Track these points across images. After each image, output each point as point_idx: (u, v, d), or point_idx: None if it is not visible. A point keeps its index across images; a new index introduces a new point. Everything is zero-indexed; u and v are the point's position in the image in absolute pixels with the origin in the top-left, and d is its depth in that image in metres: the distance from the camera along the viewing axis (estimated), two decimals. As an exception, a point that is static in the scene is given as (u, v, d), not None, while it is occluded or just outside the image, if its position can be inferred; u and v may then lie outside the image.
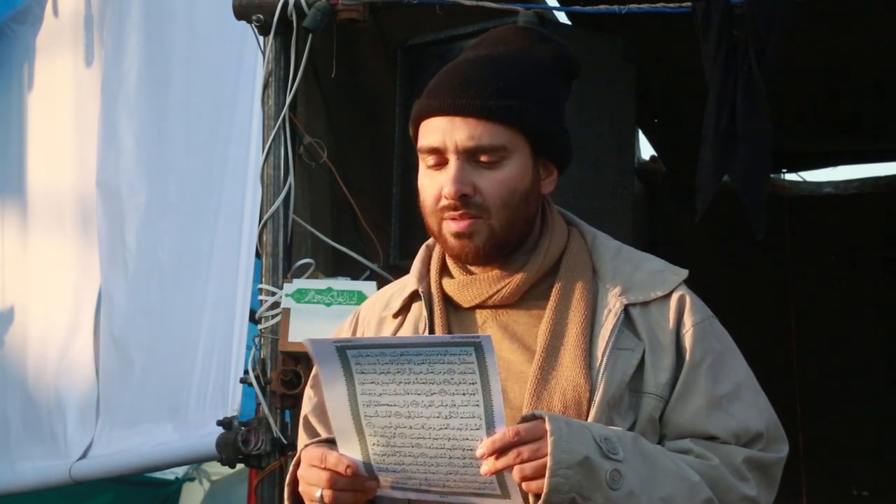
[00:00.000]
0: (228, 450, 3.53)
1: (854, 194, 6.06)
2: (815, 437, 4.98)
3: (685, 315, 2.02)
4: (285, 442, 3.51)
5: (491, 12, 3.55)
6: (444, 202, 1.97)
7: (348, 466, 1.89)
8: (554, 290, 2.02)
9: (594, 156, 3.66)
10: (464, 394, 1.81)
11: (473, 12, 3.58)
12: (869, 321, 5.97)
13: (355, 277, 3.68)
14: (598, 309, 2.01)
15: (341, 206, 3.81)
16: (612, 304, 2.00)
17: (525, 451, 1.81)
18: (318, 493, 1.91)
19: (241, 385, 3.71)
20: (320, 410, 2.10)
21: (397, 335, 2.07)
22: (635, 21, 3.53)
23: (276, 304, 3.58)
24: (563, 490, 1.80)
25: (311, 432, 2.15)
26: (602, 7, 3.57)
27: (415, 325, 2.07)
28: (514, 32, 2.11)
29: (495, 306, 2.04)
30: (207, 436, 3.71)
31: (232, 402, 3.84)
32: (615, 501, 1.83)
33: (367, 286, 3.52)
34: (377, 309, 2.17)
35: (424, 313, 2.06)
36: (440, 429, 1.83)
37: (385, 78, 3.93)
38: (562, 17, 4.31)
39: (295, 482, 2.00)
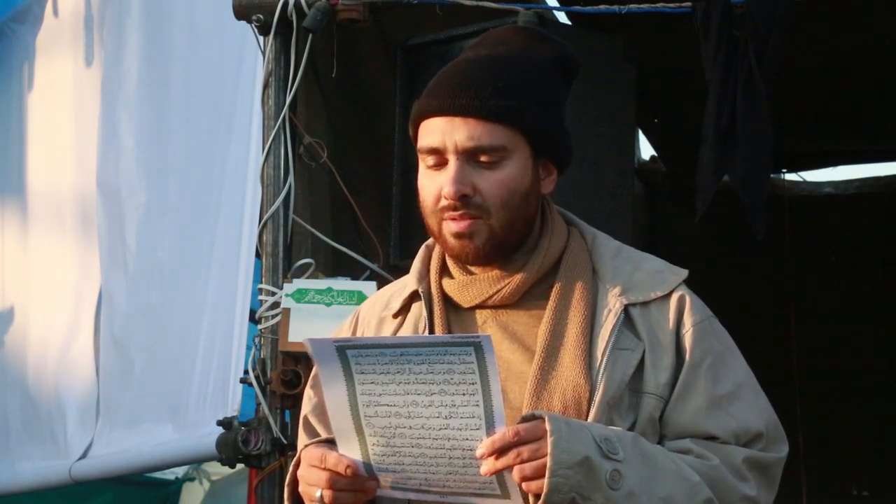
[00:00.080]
0: (228, 450, 3.54)
1: (854, 194, 6.05)
2: (815, 437, 4.98)
3: (685, 315, 2.02)
4: (285, 442, 3.51)
5: (491, 12, 3.55)
6: (443, 202, 1.97)
7: (348, 466, 1.89)
8: (554, 290, 2.02)
9: (594, 156, 3.66)
10: (464, 394, 1.81)
11: (473, 12, 3.58)
12: (869, 321, 5.97)
13: (355, 277, 3.68)
14: (597, 309, 2.01)
15: (341, 206, 3.81)
16: (612, 304, 2.00)
17: (525, 451, 1.81)
18: (317, 494, 1.91)
19: (241, 385, 3.71)
20: (320, 410, 2.10)
21: (397, 335, 2.07)
22: (635, 21, 3.53)
23: (276, 304, 3.58)
24: (563, 490, 1.80)
25: (311, 432, 2.15)
26: (602, 7, 3.57)
27: (415, 325, 2.07)
28: (513, 32, 2.11)
29: (495, 306, 2.04)
30: (207, 436, 3.71)
31: (232, 402, 3.84)
32: (615, 501, 1.83)
33: (367, 286, 3.52)
34: (377, 309, 2.17)
35: (424, 313, 2.06)
36: (440, 429, 1.83)
37: (385, 78, 3.93)
38: (562, 17, 4.31)
39: (295, 482, 2.00)
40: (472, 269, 2.05)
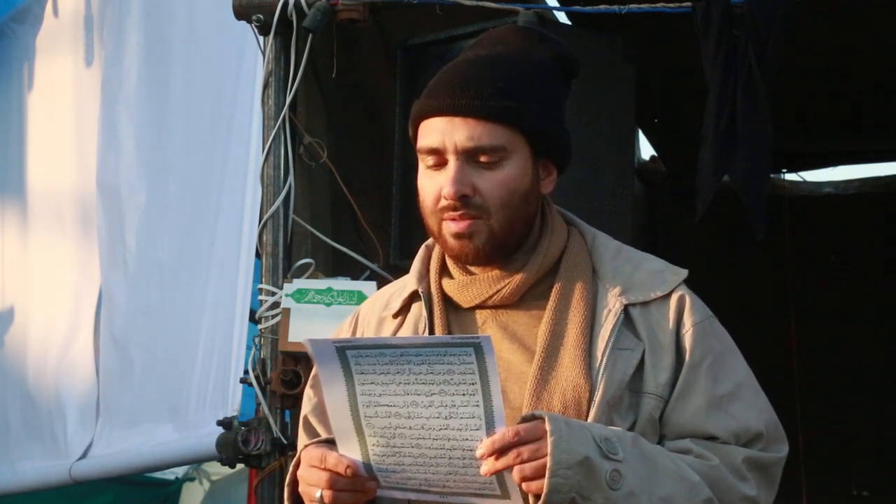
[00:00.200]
0: (228, 450, 3.54)
1: (854, 194, 6.06)
2: (815, 437, 4.98)
3: (685, 315, 2.02)
4: (285, 442, 3.51)
5: (491, 12, 3.55)
6: (443, 203, 1.97)
7: (348, 467, 1.89)
8: (554, 290, 2.02)
9: (594, 156, 3.66)
10: (463, 394, 1.81)
11: (473, 12, 3.58)
12: (869, 321, 5.97)
13: (355, 277, 3.68)
14: (597, 309, 2.01)
15: (341, 206, 3.81)
16: (612, 304, 2.00)
17: (525, 451, 1.81)
18: (317, 494, 1.91)
19: (241, 385, 3.71)
20: (320, 410, 2.10)
21: (397, 335, 2.07)
22: (635, 21, 3.53)
23: (276, 304, 3.58)
24: (562, 490, 1.80)
25: (311, 432, 2.15)
26: (602, 7, 3.57)
27: (414, 325, 2.07)
28: (513, 32, 2.11)
29: (495, 306, 2.04)
30: (207, 436, 3.71)
31: (232, 402, 3.84)
32: (615, 501, 1.83)
33: (367, 286, 3.52)
34: (377, 309, 2.17)
35: (424, 313, 2.06)
36: (440, 429, 1.83)
37: (385, 78, 3.93)
38: (562, 17, 4.31)
39: (295, 482, 2.00)
40: (472, 269, 2.05)
